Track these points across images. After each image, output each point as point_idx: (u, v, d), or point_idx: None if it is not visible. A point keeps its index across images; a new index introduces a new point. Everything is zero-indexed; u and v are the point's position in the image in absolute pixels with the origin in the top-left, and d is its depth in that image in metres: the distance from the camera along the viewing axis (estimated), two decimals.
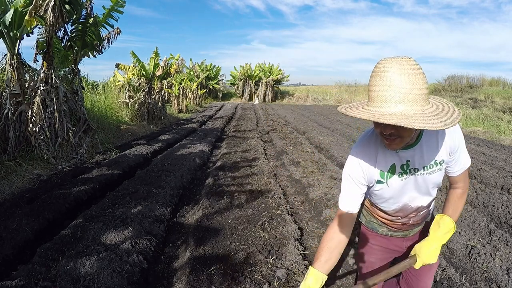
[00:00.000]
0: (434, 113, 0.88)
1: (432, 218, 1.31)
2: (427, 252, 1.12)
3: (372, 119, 0.88)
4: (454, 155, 1.11)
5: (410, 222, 1.25)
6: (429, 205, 1.23)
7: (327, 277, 1.12)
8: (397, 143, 0.98)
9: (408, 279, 1.38)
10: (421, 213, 1.23)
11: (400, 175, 1.11)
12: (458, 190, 1.20)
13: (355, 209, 1.16)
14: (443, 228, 1.14)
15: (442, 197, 3.52)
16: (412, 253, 1.18)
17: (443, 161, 1.10)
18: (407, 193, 1.15)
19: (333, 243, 1.15)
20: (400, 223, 1.26)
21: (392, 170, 1.10)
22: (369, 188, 1.18)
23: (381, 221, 1.30)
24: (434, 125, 0.83)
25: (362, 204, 1.32)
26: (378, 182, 1.13)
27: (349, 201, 1.15)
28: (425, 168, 1.10)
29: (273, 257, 2.30)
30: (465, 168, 1.16)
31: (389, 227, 1.30)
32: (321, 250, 1.15)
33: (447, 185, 1.27)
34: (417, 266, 1.14)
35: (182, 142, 7.07)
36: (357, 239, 2.62)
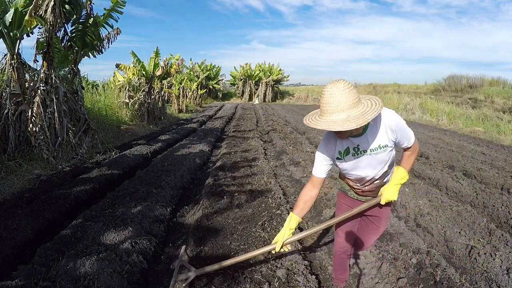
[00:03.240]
0: (355, 116, 1.31)
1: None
2: (388, 191, 1.63)
3: (315, 126, 1.38)
4: (398, 137, 1.52)
5: (366, 188, 1.73)
6: (382, 177, 1.68)
7: (301, 220, 1.82)
8: (341, 135, 1.47)
9: (361, 232, 1.98)
10: (375, 182, 1.70)
11: (353, 155, 1.58)
12: (408, 151, 1.65)
13: (322, 175, 1.68)
14: (398, 175, 1.63)
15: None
16: (379, 194, 1.69)
17: (387, 145, 1.53)
18: (360, 166, 1.62)
19: (307, 197, 1.70)
20: (360, 190, 1.76)
21: (347, 151, 1.58)
22: (334, 162, 1.67)
23: (349, 185, 1.82)
24: (349, 126, 1.28)
25: (340, 175, 1.89)
26: (338, 158, 1.62)
27: (319, 170, 1.67)
28: (371, 150, 1.54)
29: (273, 257, 2.30)
30: (411, 143, 1.58)
31: (355, 191, 1.81)
32: (299, 202, 1.71)
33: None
34: (382, 201, 1.65)
35: (182, 142, 7.07)
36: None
